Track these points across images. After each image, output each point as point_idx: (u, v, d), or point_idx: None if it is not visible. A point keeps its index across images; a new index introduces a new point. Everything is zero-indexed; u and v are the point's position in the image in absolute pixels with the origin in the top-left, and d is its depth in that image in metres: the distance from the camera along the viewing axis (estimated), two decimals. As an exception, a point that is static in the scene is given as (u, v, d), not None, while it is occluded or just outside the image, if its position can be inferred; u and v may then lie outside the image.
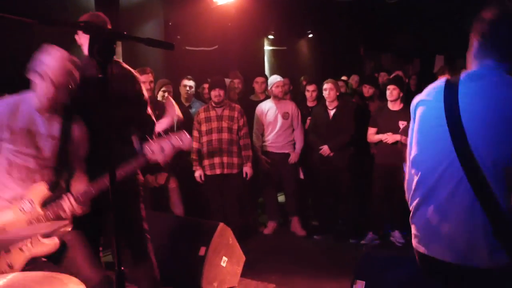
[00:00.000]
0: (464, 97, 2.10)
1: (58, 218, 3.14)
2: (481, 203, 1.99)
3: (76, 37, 3.63)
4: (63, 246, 3.11)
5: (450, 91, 2.14)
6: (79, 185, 3.29)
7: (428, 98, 2.26)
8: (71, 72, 3.10)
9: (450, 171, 2.08)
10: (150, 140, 3.40)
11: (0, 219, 3.06)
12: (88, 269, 3.09)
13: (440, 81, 2.25)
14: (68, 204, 3.11)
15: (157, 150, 3.25)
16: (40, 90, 3.09)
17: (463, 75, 2.19)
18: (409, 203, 2.36)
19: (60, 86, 3.08)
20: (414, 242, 2.28)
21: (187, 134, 3.37)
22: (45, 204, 3.14)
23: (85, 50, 3.96)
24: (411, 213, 2.30)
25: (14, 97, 3.18)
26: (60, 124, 3.22)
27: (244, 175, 6.26)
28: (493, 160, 1.98)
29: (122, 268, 1.86)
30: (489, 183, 1.98)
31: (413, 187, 2.27)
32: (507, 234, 1.98)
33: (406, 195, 2.37)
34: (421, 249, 2.23)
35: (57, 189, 3.20)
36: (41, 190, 3.15)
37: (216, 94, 6.12)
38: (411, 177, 2.31)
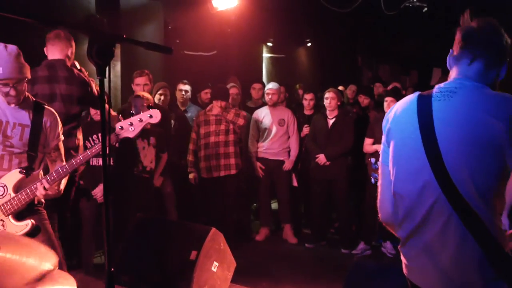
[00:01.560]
0: (440, 122, 2.04)
1: (31, 201, 3.33)
2: (473, 236, 1.94)
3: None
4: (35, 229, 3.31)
5: (424, 114, 2.08)
6: (51, 168, 3.46)
7: (400, 119, 2.19)
8: (22, 66, 3.26)
9: (439, 206, 2.02)
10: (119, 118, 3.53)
11: None
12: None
13: (412, 98, 2.18)
14: (41, 186, 3.24)
15: (125, 126, 3.31)
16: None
17: (436, 89, 2.14)
18: (384, 223, 2.31)
19: (13, 81, 3.23)
20: (405, 271, 2.23)
21: (157, 110, 3.44)
22: (18, 188, 3.29)
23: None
24: (401, 242, 2.23)
25: None
26: (30, 113, 3.39)
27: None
28: (476, 188, 1.94)
29: (112, 269, 1.86)
30: (478, 213, 1.94)
31: (401, 215, 2.18)
32: (503, 262, 1.94)
33: (380, 215, 2.31)
34: (414, 280, 2.18)
35: (30, 174, 3.35)
36: (14, 175, 3.29)
37: (218, 105, 6.13)
38: (386, 197, 2.25)
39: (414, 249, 2.15)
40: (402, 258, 2.24)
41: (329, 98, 6.46)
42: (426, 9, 7.84)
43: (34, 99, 3.47)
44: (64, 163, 3.49)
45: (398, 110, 2.21)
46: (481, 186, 1.94)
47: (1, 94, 3.28)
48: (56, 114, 3.54)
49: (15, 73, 3.21)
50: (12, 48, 3.24)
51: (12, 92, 3.24)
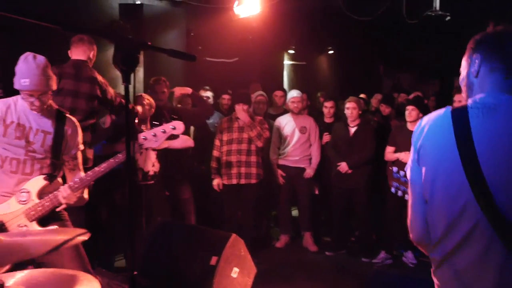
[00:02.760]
0: (480, 141, 1.90)
1: (55, 207, 3.38)
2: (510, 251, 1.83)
3: None
4: None
5: (461, 130, 1.94)
6: (74, 176, 3.51)
7: (435, 134, 2.04)
8: (49, 77, 3.32)
9: (479, 229, 1.90)
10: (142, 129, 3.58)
11: None
12: (71, 264, 3.21)
13: (443, 113, 2.04)
14: (63, 193, 3.28)
15: (149, 137, 3.35)
16: (24, 96, 3.34)
17: (471, 104, 1.99)
18: (415, 243, 2.19)
19: (38, 93, 3.30)
20: None
21: (180, 122, 3.46)
22: (41, 194, 3.34)
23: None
24: (434, 266, 2.12)
25: (11, 97, 3.46)
26: (53, 121, 3.45)
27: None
28: None
29: (135, 272, 1.88)
30: None
31: (438, 236, 2.05)
32: None
33: (411, 235, 2.18)
34: None
35: (54, 180, 3.42)
36: (38, 181, 3.36)
37: (240, 108, 6.15)
38: (417, 217, 2.14)
39: (447, 273, 2.06)
40: (435, 280, 2.14)
41: (350, 108, 6.44)
42: (449, 17, 7.77)
43: (56, 107, 3.53)
44: (81, 171, 3.55)
45: (430, 125, 2.07)
46: None
47: (25, 101, 3.34)
48: (77, 124, 3.60)
49: (41, 86, 3.27)
50: (41, 59, 3.30)
51: (37, 103, 3.31)
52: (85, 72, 4.69)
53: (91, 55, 4.78)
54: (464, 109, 1.97)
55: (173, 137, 3.49)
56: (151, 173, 5.14)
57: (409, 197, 2.18)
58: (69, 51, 4.82)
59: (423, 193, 2.08)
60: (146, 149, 3.60)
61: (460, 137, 1.93)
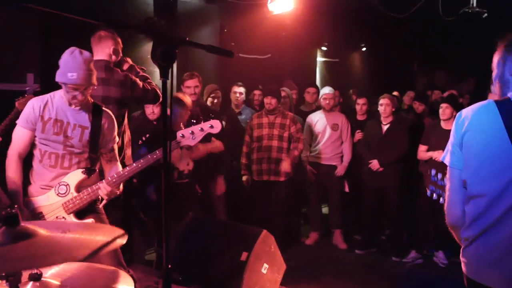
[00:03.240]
0: None
1: (93, 201, 3.49)
2: None
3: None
4: None
5: (508, 114, 2.09)
6: (111, 167, 3.60)
7: (482, 120, 2.18)
8: (92, 73, 3.39)
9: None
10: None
11: (38, 203, 3.43)
12: (105, 258, 3.25)
13: (487, 103, 2.18)
14: (103, 190, 3.38)
15: (187, 135, 3.38)
16: (65, 91, 3.41)
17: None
18: (451, 227, 2.32)
19: (83, 87, 3.37)
20: (468, 270, 2.21)
21: (217, 121, 3.49)
22: (80, 188, 3.43)
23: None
24: (467, 242, 2.22)
25: (48, 94, 3.53)
26: (89, 115, 3.52)
27: (282, 169, 6.19)
28: None
29: (170, 266, 1.91)
30: None
31: (472, 215, 2.18)
32: None
33: (447, 218, 2.32)
34: (479, 279, 2.15)
35: (92, 174, 3.50)
36: (76, 174, 3.45)
37: (268, 101, 6.16)
38: (456, 200, 2.25)
39: (486, 246, 2.14)
40: (464, 258, 2.22)
41: (383, 105, 6.39)
42: (486, 14, 7.63)
43: (92, 101, 3.59)
44: (118, 163, 3.61)
45: (474, 113, 2.21)
46: None
47: (65, 95, 3.40)
48: (113, 117, 3.65)
49: (86, 81, 3.34)
50: (87, 55, 3.37)
51: (80, 97, 3.37)
52: (98, 74, 4.06)
53: (111, 51, 4.36)
54: (508, 101, 2.13)
55: (210, 135, 3.52)
56: (186, 172, 5.18)
57: (447, 182, 2.32)
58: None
59: (462, 178, 2.22)
60: (182, 148, 3.66)
61: (507, 119, 2.09)
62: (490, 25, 8.94)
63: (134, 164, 3.41)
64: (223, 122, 6.45)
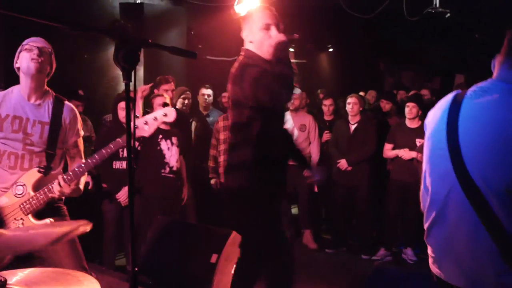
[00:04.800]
0: (464, 119, 2.09)
1: (49, 200, 3.34)
2: (486, 227, 1.96)
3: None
4: None
5: (453, 111, 2.14)
6: (70, 165, 3.50)
7: (436, 116, 2.26)
8: (49, 61, 3.33)
9: (454, 196, 2.07)
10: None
11: None
12: (67, 260, 3.26)
13: (449, 97, 2.23)
14: (56, 186, 3.26)
15: (140, 125, 3.34)
16: (22, 82, 3.33)
17: (472, 88, 2.16)
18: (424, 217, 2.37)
19: (38, 75, 3.30)
20: (430, 262, 2.27)
21: (172, 108, 3.48)
22: (37, 187, 3.32)
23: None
24: (425, 233, 2.29)
25: (5, 90, 3.41)
26: (50, 110, 3.40)
27: None
28: (493, 183, 1.96)
29: (136, 269, 1.90)
30: (491, 207, 1.95)
31: (426, 206, 2.26)
32: None
33: (421, 205, 2.38)
34: (436, 272, 2.22)
35: (49, 173, 3.36)
36: (33, 173, 3.32)
37: None
38: (424, 191, 2.32)
39: (436, 238, 2.22)
40: (428, 249, 2.29)
41: (351, 103, 6.46)
42: (448, 14, 7.77)
43: (54, 94, 3.47)
44: (82, 160, 3.53)
45: (436, 108, 2.29)
46: (497, 182, 1.95)
47: (27, 64, 3.28)
48: (76, 111, 3.56)
49: (46, 44, 3.33)
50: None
51: (40, 58, 3.27)
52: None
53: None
54: (464, 93, 2.17)
55: (165, 124, 3.50)
56: (174, 168, 5.22)
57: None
58: None
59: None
60: (138, 138, 3.63)
61: (450, 114, 2.14)
62: (453, 25, 9.12)
63: (88, 160, 3.33)
64: (194, 124, 6.46)
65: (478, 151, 2.02)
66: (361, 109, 6.51)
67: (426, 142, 2.29)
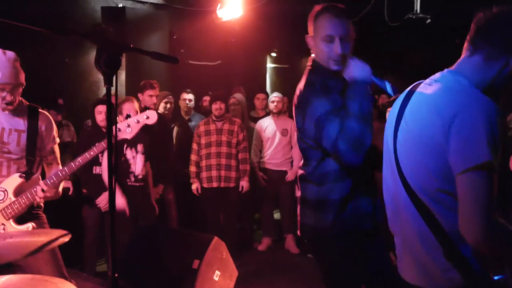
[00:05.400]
0: (407, 113, 2.08)
1: (32, 204, 3.37)
2: (428, 226, 1.95)
3: None
4: None
5: (404, 104, 2.12)
6: (52, 170, 3.52)
7: (392, 109, 2.25)
8: (19, 71, 3.29)
9: (400, 194, 2.06)
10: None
11: None
12: (46, 268, 3.24)
13: (406, 90, 2.20)
14: (40, 189, 3.29)
15: (123, 128, 3.34)
16: None
17: (426, 80, 2.11)
18: None
19: (10, 86, 3.26)
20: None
21: (153, 111, 3.47)
22: (18, 192, 3.33)
23: None
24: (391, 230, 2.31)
25: None
26: (25, 118, 3.42)
27: (240, 189, 6.27)
28: (423, 185, 1.96)
29: (116, 275, 1.88)
30: (428, 205, 1.94)
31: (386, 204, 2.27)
32: (455, 254, 1.93)
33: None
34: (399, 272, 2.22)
35: (30, 178, 3.38)
36: (14, 179, 3.33)
37: (217, 107, 6.15)
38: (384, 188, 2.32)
39: (396, 237, 2.23)
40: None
41: None
42: (429, 20, 7.86)
43: (28, 103, 3.49)
44: (59, 166, 3.54)
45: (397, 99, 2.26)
46: (427, 184, 1.94)
47: None
48: (51, 118, 3.59)
49: (12, 79, 3.25)
50: (11, 54, 3.28)
51: (8, 98, 3.27)
52: None
53: None
54: (418, 84, 2.13)
55: (147, 126, 3.49)
56: (140, 176, 5.10)
57: None
58: None
59: None
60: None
61: (400, 109, 2.13)
62: (434, 30, 9.20)
63: (71, 163, 3.34)
64: (176, 129, 6.44)
65: (406, 151, 2.03)
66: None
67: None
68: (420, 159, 1.94)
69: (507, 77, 1.98)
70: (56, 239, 1.75)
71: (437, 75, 2.07)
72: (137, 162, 5.08)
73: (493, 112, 1.79)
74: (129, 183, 5.04)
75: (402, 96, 2.18)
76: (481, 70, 1.98)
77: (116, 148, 1.78)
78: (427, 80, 2.08)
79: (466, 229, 1.80)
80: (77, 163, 3.32)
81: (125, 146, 5.02)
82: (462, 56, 2.06)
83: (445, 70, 2.07)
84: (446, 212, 1.91)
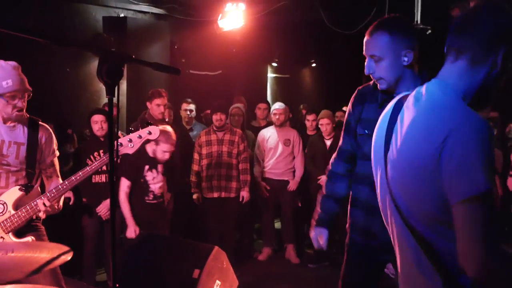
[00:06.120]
0: (394, 133, 1.88)
1: (31, 218, 3.35)
2: (420, 248, 1.80)
3: None
4: None
5: (392, 118, 1.92)
6: (52, 183, 3.51)
7: (380, 120, 2.03)
8: (24, 78, 3.29)
9: (392, 216, 1.92)
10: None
11: None
12: (44, 281, 3.19)
13: (393, 101, 2.00)
14: (41, 203, 3.27)
15: (125, 143, 3.34)
16: (3, 103, 3.28)
17: (413, 92, 1.90)
18: None
19: (21, 93, 3.27)
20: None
21: (156, 127, 3.47)
22: (18, 206, 3.32)
23: None
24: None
25: None
26: (25, 130, 3.42)
27: (240, 199, 6.27)
28: (415, 214, 1.78)
29: (118, 285, 1.88)
30: (423, 235, 1.78)
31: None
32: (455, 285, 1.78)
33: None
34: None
35: (30, 191, 3.37)
36: (13, 192, 3.32)
37: (217, 118, 6.16)
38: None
39: (396, 256, 2.09)
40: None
41: (324, 124, 6.59)
42: (430, 31, 7.88)
43: (28, 116, 3.50)
44: (59, 178, 3.54)
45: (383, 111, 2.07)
46: (421, 211, 1.77)
47: (4, 108, 3.30)
48: (51, 130, 3.58)
49: (21, 85, 3.27)
50: (13, 63, 3.30)
51: (20, 104, 3.28)
52: None
53: None
54: (406, 96, 1.94)
55: (148, 141, 3.50)
56: (158, 194, 5.07)
57: None
58: None
59: None
60: (120, 156, 3.62)
61: (389, 123, 1.92)
62: (434, 41, 9.23)
63: (72, 177, 3.34)
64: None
65: (396, 178, 1.84)
66: (333, 126, 6.59)
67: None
68: (414, 188, 1.76)
69: (496, 79, 1.79)
70: (58, 256, 1.74)
71: (423, 87, 1.86)
72: (157, 181, 5.04)
73: (484, 130, 1.62)
74: (147, 201, 5.01)
75: (389, 110, 1.98)
76: (467, 77, 1.78)
77: (117, 160, 1.79)
78: (414, 92, 1.88)
79: (466, 262, 1.63)
80: (78, 177, 3.32)
81: (146, 168, 4.95)
82: (445, 62, 1.85)
83: (432, 80, 1.87)
84: (444, 243, 1.75)
